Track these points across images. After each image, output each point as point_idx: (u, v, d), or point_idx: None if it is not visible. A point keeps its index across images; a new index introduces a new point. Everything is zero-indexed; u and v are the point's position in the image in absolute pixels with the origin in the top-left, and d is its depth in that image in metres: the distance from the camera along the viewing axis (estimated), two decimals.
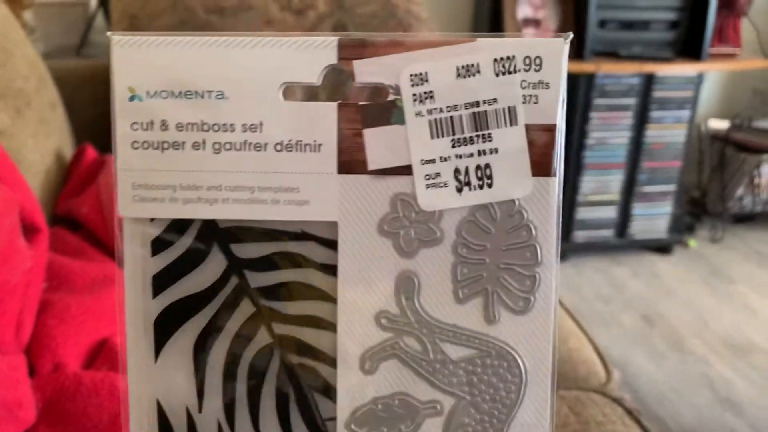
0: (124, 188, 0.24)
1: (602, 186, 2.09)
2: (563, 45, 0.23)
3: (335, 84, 0.24)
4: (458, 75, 0.23)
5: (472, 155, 0.23)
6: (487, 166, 0.22)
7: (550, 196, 0.22)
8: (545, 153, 0.22)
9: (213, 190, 0.24)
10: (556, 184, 0.22)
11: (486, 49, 0.22)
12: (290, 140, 0.23)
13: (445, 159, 0.23)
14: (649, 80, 1.97)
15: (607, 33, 1.99)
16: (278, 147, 0.23)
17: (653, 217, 2.16)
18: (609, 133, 2.02)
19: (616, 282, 2.03)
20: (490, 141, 0.22)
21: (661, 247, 2.21)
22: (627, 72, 1.93)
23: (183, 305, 0.24)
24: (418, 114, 0.23)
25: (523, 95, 0.22)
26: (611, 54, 1.99)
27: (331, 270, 0.23)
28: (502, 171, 0.22)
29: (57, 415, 0.57)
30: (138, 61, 0.24)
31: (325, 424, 0.24)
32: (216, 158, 0.24)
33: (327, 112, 0.23)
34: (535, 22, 1.96)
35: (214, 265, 0.24)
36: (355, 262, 0.23)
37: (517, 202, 0.22)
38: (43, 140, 0.88)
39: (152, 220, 0.24)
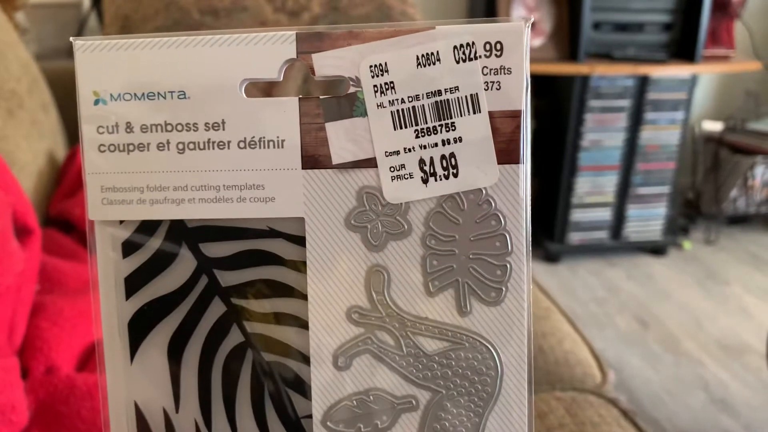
0: (93, 192, 0.24)
1: (597, 188, 2.09)
2: (523, 28, 0.22)
3: (306, 78, 0.23)
4: (418, 64, 0.22)
5: (436, 145, 0.22)
6: (452, 155, 0.22)
7: (518, 184, 0.22)
8: (511, 140, 0.22)
9: (179, 191, 0.23)
10: (523, 171, 0.22)
11: (445, 36, 0.22)
12: (253, 137, 0.23)
13: (410, 150, 0.22)
14: (643, 82, 1.97)
15: (602, 35, 2.00)
16: (241, 144, 0.23)
17: (648, 219, 2.16)
18: (603, 134, 2.02)
19: (610, 284, 2.03)
20: (453, 130, 0.22)
21: (656, 249, 2.22)
22: (621, 74, 1.94)
23: (155, 306, 0.24)
24: (380, 105, 0.22)
25: (486, 82, 0.22)
26: (605, 56, 1.99)
27: (300, 266, 0.23)
28: (468, 160, 0.22)
29: (50, 418, 0.57)
30: (100, 65, 0.23)
31: (301, 421, 0.23)
32: (180, 158, 0.23)
33: (288, 107, 0.23)
34: None
35: (183, 266, 0.24)
36: (324, 258, 0.23)
37: (484, 191, 0.22)
38: (35, 142, 0.88)
39: (121, 222, 0.24)
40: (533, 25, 1.97)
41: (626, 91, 1.98)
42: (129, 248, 0.24)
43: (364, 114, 0.22)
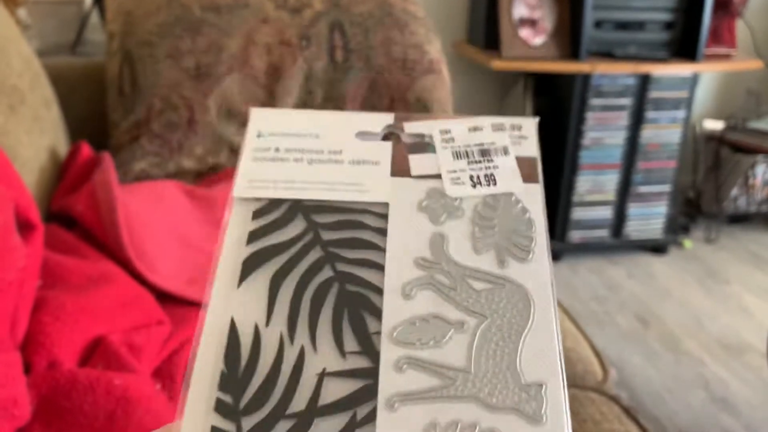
0: (242, 182, 0.33)
1: (597, 186, 2.09)
2: (535, 122, 0.36)
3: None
4: (469, 131, 0.35)
5: (481, 169, 0.34)
6: (492, 174, 0.34)
7: (537, 192, 0.33)
8: (531, 170, 0.34)
9: (303, 183, 0.33)
10: (539, 186, 0.34)
11: (487, 119, 0.36)
12: (359, 159, 0.35)
13: (463, 170, 0.34)
14: (645, 81, 1.97)
15: (603, 33, 2.00)
16: (351, 162, 0.34)
17: (648, 218, 2.16)
18: (604, 133, 2.02)
19: (611, 282, 2.04)
20: (492, 162, 0.34)
21: (657, 248, 2.22)
22: (622, 72, 1.94)
23: (268, 251, 0.32)
24: (444, 147, 0.35)
25: (512, 141, 0.35)
26: (607, 54, 1.99)
27: (383, 232, 0.32)
28: (502, 177, 0.34)
29: (52, 413, 0.57)
30: (264, 117, 0.37)
31: (371, 336, 0.29)
32: (308, 167, 0.34)
33: (384, 146, 0.35)
34: (530, 22, 1.96)
35: (296, 226, 0.32)
36: (401, 227, 0.32)
37: (514, 195, 0.33)
38: (37, 137, 0.88)
39: (257, 200, 0.33)
40: (534, 23, 1.97)
41: (627, 90, 1.98)
42: (257, 214, 0.33)
43: (434, 152, 0.35)
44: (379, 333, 0.29)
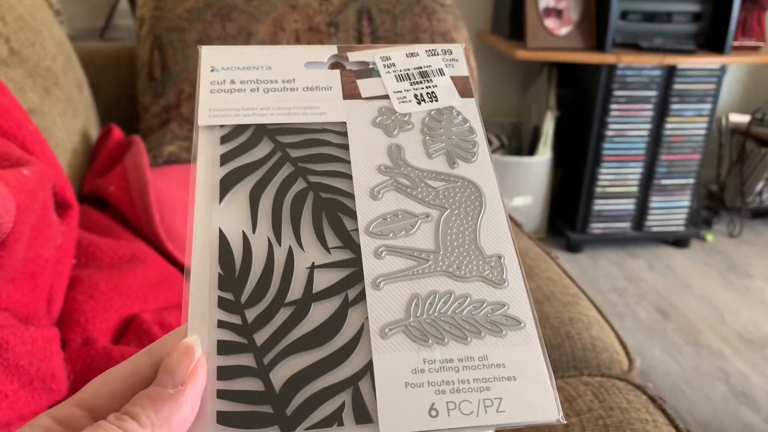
0: (203, 112, 0.36)
1: (620, 178, 2.08)
2: (462, 47, 0.41)
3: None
4: (407, 56, 0.40)
5: (423, 88, 0.39)
6: (433, 92, 0.39)
7: (473, 105, 0.39)
8: (465, 87, 0.39)
9: (263, 110, 0.37)
10: (474, 100, 0.39)
11: (420, 46, 0.41)
12: (312, 85, 0.38)
13: (408, 90, 0.39)
14: (671, 72, 1.96)
15: (629, 24, 1.98)
16: (304, 89, 0.38)
17: (671, 211, 2.15)
18: (628, 125, 2.01)
19: (632, 274, 2.03)
20: (431, 82, 0.39)
21: (678, 241, 2.20)
22: (648, 64, 1.92)
23: (242, 170, 0.34)
24: (387, 72, 0.39)
25: (445, 63, 0.40)
26: (632, 46, 1.98)
27: (345, 147, 0.36)
28: (442, 94, 0.39)
29: None
30: (214, 53, 0.39)
31: (350, 233, 0.33)
32: (265, 95, 0.37)
33: (333, 73, 0.39)
34: (556, 12, 1.95)
35: (264, 147, 0.35)
36: (360, 141, 0.36)
37: (454, 108, 0.38)
38: (70, 119, 0.89)
39: (222, 127, 0.36)
40: (560, 13, 1.96)
41: (653, 82, 1.96)
42: (225, 139, 0.35)
43: (379, 76, 0.39)
44: (356, 230, 0.33)
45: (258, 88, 0.37)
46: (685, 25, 2.00)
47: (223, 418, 0.28)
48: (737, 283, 1.98)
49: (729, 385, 1.53)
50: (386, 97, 0.38)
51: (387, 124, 0.37)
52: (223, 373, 0.29)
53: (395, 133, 0.37)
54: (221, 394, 0.28)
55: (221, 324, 0.30)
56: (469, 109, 0.39)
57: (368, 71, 0.39)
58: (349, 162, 0.35)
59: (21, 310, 0.54)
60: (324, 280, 0.32)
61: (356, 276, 0.32)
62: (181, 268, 0.77)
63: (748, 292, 1.93)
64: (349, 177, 0.35)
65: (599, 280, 1.99)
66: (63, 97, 0.88)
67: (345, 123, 0.37)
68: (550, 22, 1.95)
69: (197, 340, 0.29)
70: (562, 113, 2.12)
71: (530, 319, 0.31)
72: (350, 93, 0.38)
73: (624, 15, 1.97)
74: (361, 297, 0.31)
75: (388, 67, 0.39)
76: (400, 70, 0.39)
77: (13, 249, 0.52)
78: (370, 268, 0.32)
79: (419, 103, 0.38)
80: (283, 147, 0.36)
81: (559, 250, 2.18)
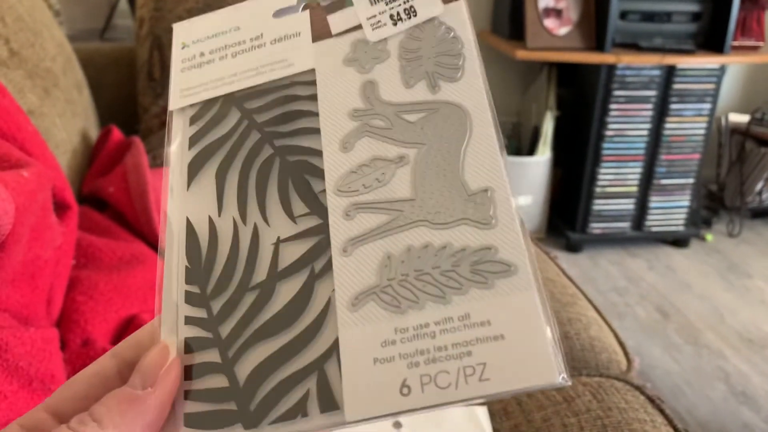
0: (174, 94, 0.35)
1: (620, 178, 2.08)
2: None
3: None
4: None
5: (400, 5, 0.33)
6: (411, 7, 0.33)
7: (461, 8, 0.33)
8: None
9: (232, 76, 0.34)
10: (462, 2, 0.33)
11: None
12: (280, 36, 0.35)
13: (383, 12, 0.34)
14: (670, 72, 1.96)
15: (629, 24, 1.98)
16: (272, 42, 0.35)
17: (670, 210, 2.15)
18: (628, 124, 2.01)
19: (631, 274, 2.03)
20: None
21: (678, 241, 2.20)
22: (648, 64, 1.92)
23: (209, 148, 0.33)
24: None
25: None
26: (632, 45, 1.98)
27: (314, 98, 0.33)
28: (422, 5, 0.33)
29: None
30: (186, 28, 0.37)
31: (317, 195, 0.30)
32: (234, 60, 0.35)
33: (302, 16, 0.35)
34: (556, 12, 1.95)
35: (231, 119, 0.33)
36: (329, 85, 0.33)
37: (436, 19, 0.33)
38: (69, 120, 0.89)
39: (192, 106, 0.34)
40: (560, 13, 1.96)
41: (652, 81, 1.96)
42: (194, 119, 0.34)
43: (351, 4, 0.34)
44: (324, 191, 0.30)
45: (226, 54, 0.35)
46: (685, 24, 2.00)
47: (190, 420, 0.27)
48: (737, 283, 1.98)
49: (729, 385, 1.53)
50: (360, 27, 0.34)
51: (360, 58, 0.33)
52: (192, 372, 0.28)
53: (369, 66, 0.32)
54: (189, 395, 0.27)
55: (188, 320, 0.29)
56: (455, 16, 0.33)
57: (340, 2, 0.35)
58: (317, 116, 0.32)
59: (20, 311, 0.54)
60: (290, 254, 0.29)
61: (323, 244, 0.29)
62: None
63: (748, 292, 1.93)
64: (318, 132, 0.31)
65: (599, 280, 1.99)
66: (62, 98, 0.88)
67: (314, 70, 0.33)
68: (549, 22, 1.95)
69: (173, 341, 0.28)
70: (562, 113, 2.12)
71: (523, 262, 0.26)
72: (320, 33, 0.34)
73: (623, 15, 1.97)
74: (329, 267, 0.28)
75: None
76: None
77: (12, 250, 0.52)
78: (339, 232, 0.29)
79: (395, 24, 0.33)
80: (250, 114, 0.33)
81: (559, 250, 2.18)
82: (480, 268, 0.26)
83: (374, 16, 0.34)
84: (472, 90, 0.30)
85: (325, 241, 0.29)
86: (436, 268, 0.27)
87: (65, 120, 0.87)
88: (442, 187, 0.29)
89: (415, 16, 0.33)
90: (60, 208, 0.66)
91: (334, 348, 0.26)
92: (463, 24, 0.33)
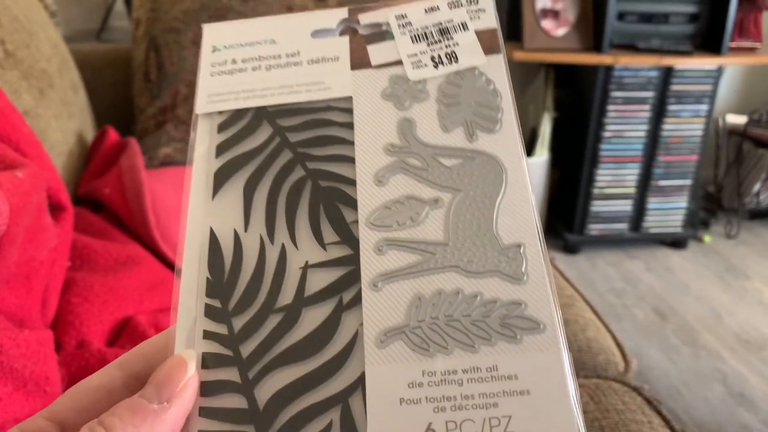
0: (201, 98, 0.34)
1: (618, 179, 2.08)
2: None
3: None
4: (426, 12, 0.35)
5: (442, 48, 0.34)
6: (453, 53, 0.34)
7: (500, 62, 0.33)
8: (492, 41, 0.34)
9: (264, 90, 0.34)
10: (502, 56, 0.34)
11: None
12: (318, 57, 0.34)
13: (424, 52, 0.34)
14: (667, 73, 1.96)
15: (626, 25, 1.98)
16: (309, 62, 0.34)
17: (668, 212, 2.15)
18: (626, 126, 2.01)
19: (629, 275, 2.03)
20: (452, 40, 0.34)
21: (676, 242, 2.20)
22: (645, 65, 1.92)
23: (237, 160, 0.32)
24: (402, 33, 0.35)
25: (470, 16, 0.35)
26: (630, 47, 1.98)
27: (350, 126, 0.32)
28: (464, 53, 0.34)
29: None
30: (216, 31, 0.36)
31: (348, 225, 0.30)
32: (267, 73, 0.34)
33: (341, 41, 0.35)
34: (553, 13, 1.95)
35: (262, 133, 0.33)
36: (366, 117, 0.32)
37: (477, 69, 0.33)
38: (65, 121, 0.89)
39: (220, 113, 0.34)
40: (557, 14, 1.96)
41: (650, 83, 1.96)
42: (223, 127, 0.33)
43: (392, 38, 0.34)
44: (356, 222, 0.30)
45: (260, 66, 0.35)
46: (682, 26, 2.00)
47: None
48: (735, 284, 1.98)
49: (726, 386, 1.53)
50: (400, 62, 0.34)
51: (398, 94, 0.33)
52: (207, 388, 0.27)
53: (407, 104, 0.33)
54: (204, 412, 0.27)
55: (207, 335, 0.28)
56: (495, 68, 0.33)
57: (381, 34, 0.35)
58: (353, 143, 0.32)
59: (15, 313, 0.54)
60: (318, 281, 0.29)
61: (353, 275, 0.29)
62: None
63: (746, 293, 1.93)
64: (352, 161, 0.31)
65: (597, 282, 1.99)
66: (58, 99, 0.88)
67: (351, 98, 0.33)
68: (547, 23, 1.95)
69: (192, 355, 0.27)
70: (560, 114, 2.12)
71: (552, 321, 0.27)
72: (359, 62, 0.34)
73: (621, 16, 1.97)
74: (358, 300, 0.28)
75: (404, 26, 0.35)
76: (417, 29, 0.35)
77: (7, 252, 0.52)
78: (369, 265, 0.29)
79: (436, 67, 0.33)
80: (283, 131, 0.33)
81: (556, 251, 2.18)
82: (509, 323, 0.27)
83: (415, 54, 0.34)
84: (508, 144, 0.31)
85: (355, 273, 0.29)
86: (466, 316, 0.27)
87: (61, 121, 0.86)
88: (475, 236, 0.29)
89: (457, 62, 0.34)
90: (55, 209, 0.65)
91: (360, 382, 0.27)
92: (502, 77, 0.33)
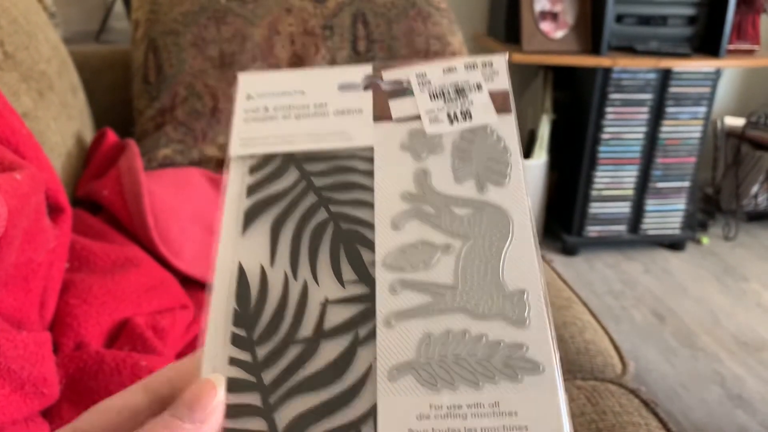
0: (235, 142, 0.36)
1: (616, 181, 2.08)
2: (504, 57, 0.39)
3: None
4: (444, 72, 0.38)
5: (457, 106, 0.37)
6: (468, 110, 0.36)
7: (511, 121, 0.36)
8: (504, 102, 0.37)
9: (293, 137, 0.36)
10: (512, 116, 0.36)
11: (460, 59, 0.39)
12: (343, 109, 0.37)
13: (441, 109, 0.37)
14: (666, 76, 1.96)
15: (625, 28, 1.99)
16: (335, 113, 0.37)
17: (666, 214, 2.15)
18: (624, 128, 2.01)
19: (627, 277, 2.03)
20: (467, 99, 0.37)
21: (674, 244, 2.21)
22: (643, 67, 1.93)
23: (266, 201, 0.35)
24: (422, 90, 0.37)
25: (484, 77, 0.38)
26: (628, 49, 1.98)
27: (370, 174, 0.35)
28: (478, 112, 0.36)
29: (79, 393, 0.58)
30: (251, 81, 0.39)
31: (366, 266, 0.32)
32: (296, 122, 0.37)
33: (365, 95, 0.38)
34: (552, 15, 1.95)
35: (290, 177, 0.35)
36: (386, 167, 0.35)
37: (489, 127, 0.36)
38: (64, 123, 0.89)
39: (251, 156, 0.36)
40: (556, 16, 1.96)
41: (648, 85, 1.97)
42: (254, 169, 0.36)
43: (412, 94, 0.37)
44: (373, 263, 0.32)
45: (290, 115, 0.37)
46: (681, 28, 2.01)
47: None
48: (733, 286, 1.98)
49: (724, 388, 1.53)
50: (418, 117, 0.37)
51: (416, 147, 0.36)
52: (231, 411, 0.29)
53: (424, 156, 0.35)
54: None
55: (232, 361, 0.30)
56: (506, 127, 0.36)
57: (402, 90, 0.38)
58: (372, 190, 0.34)
59: (13, 315, 0.54)
60: (336, 316, 0.31)
61: (369, 312, 0.31)
62: (174, 272, 0.77)
63: (744, 295, 1.93)
64: (371, 206, 0.34)
65: (595, 283, 2.00)
66: (57, 101, 0.88)
67: (373, 148, 0.36)
68: (545, 26, 1.95)
69: (222, 380, 0.29)
70: (558, 116, 2.12)
71: (551, 364, 0.29)
72: (381, 115, 0.37)
73: (619, 18, 1.97)
74: (372, 335, 0.30)
75: (423, 84, 0.38)
76: (435, 88, 0.38)
77: (5, 253, 0.52)
78: (384, 303, 0.31)
79: (451, 123, 0.36)
80: (308, 175, 0.35)
81: (555, 253, 2.18)
82: (512, 363, 0.29)
83: (432, 110, 0.37)
84: (516, 197, 0.33)
85: (370, 310, 0.31)
86: (472, 356, 0.30)
87: (60, 123, 0.87)
88: (482, 281, 0.31)
89: (471, 119, 0.36)
90: (54, 211, 0.65)
91: (372, 412, 0.29)
92: (511, 135, 0.36)
